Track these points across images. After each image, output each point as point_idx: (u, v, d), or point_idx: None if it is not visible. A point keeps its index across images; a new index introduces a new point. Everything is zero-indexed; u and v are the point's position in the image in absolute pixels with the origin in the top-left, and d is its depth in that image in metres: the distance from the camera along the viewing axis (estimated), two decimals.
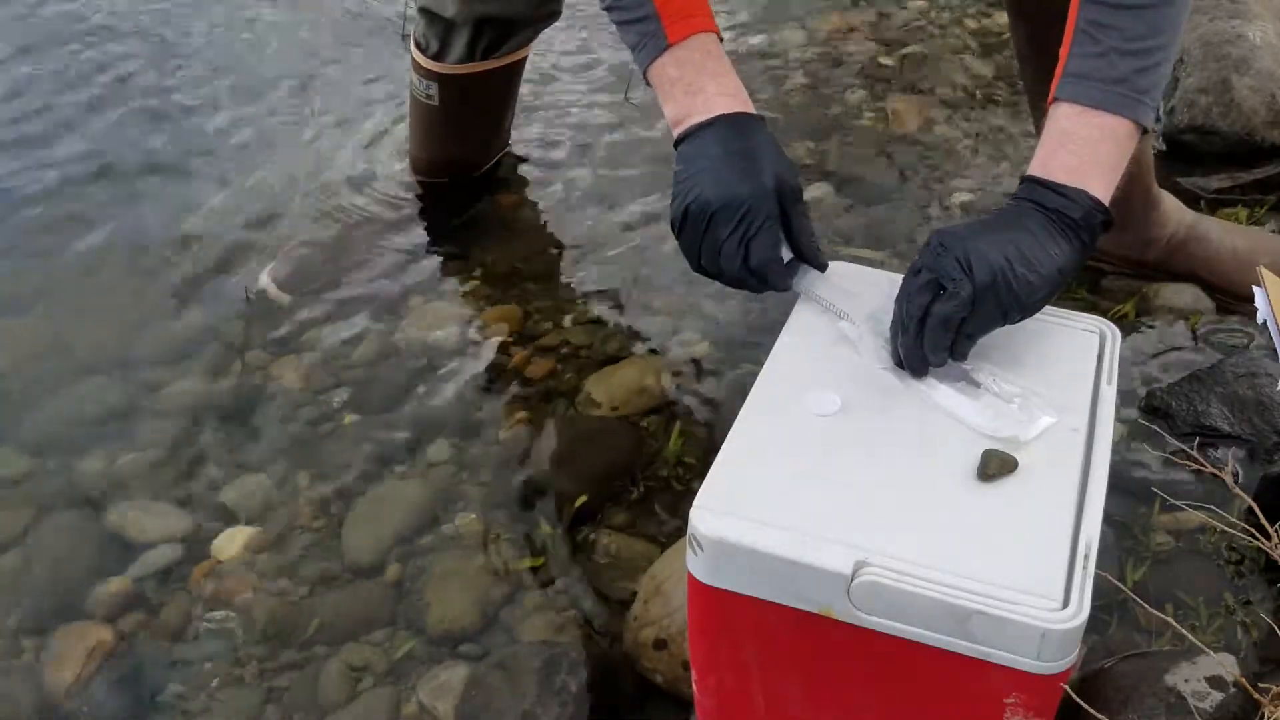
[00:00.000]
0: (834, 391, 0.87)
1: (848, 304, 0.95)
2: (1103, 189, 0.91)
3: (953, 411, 0.85)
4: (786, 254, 0.97)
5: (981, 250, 0.86)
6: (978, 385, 0.87)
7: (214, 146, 1.84)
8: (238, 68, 2.04)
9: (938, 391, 0.87)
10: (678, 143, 1.01)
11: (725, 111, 0.99)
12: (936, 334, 0.86)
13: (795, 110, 1.86)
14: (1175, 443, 1.22)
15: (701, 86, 1.00)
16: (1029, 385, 0.87)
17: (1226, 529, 1.08)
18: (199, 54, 2.08)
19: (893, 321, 0.89)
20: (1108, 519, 0.85)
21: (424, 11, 1.53)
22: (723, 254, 0.95)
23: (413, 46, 1.57)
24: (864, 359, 0.90)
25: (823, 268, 0.98)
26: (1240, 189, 1.62)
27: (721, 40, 1.04)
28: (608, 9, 1.05)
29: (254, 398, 1.39)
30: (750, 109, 1.01)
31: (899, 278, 0.91)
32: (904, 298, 0.89)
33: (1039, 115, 1.40)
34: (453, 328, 1.48)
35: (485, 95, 1.62)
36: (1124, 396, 1.27)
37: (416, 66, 1.58)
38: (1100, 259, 1.47)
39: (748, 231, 0.94)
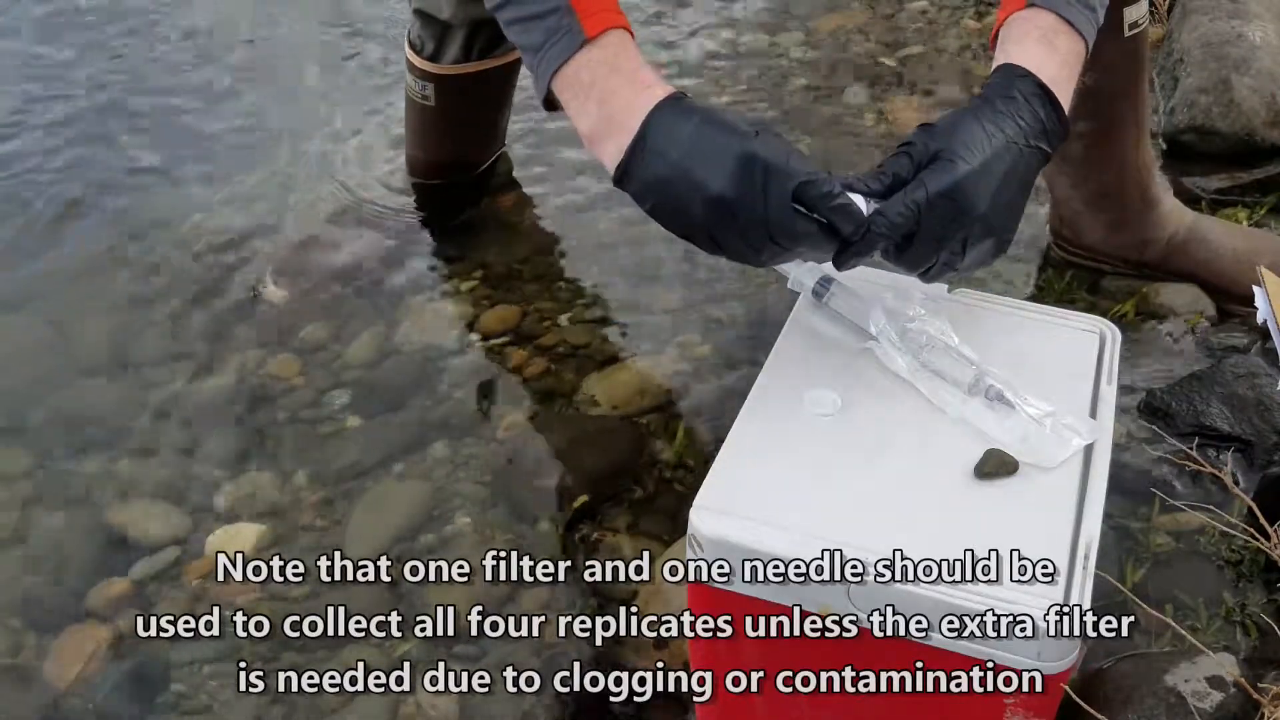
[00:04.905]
0: (834, 391, 0.87)
1: (865, 309, 0.94)
2: None
3: (983, 431, 0.84)
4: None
5: None
6: (1010, 405, 0.85)
7: (213, 146, 1.84)
8: (237, 67, 2.04)
9: (968, 408, 0.85)
10: (635, 145, 0.85)
11: (665, 96, 0.85)
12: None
13: (795, 110, 1.86)
14: (1175, 443, 1.22)
15: (629, 81, 0.86)
16: (1060, 403, 0.85)
17: (1226, 529, 1.08)
18: (197, 53, 2.08)
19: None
20: (1108, 519, 0.85)
21: (419, 13, 1.52)
22: (775, 204, 0.80)
23: (407, 47, 1.56)
24: (886, 363, 0.89)
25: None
26: (1240, 189, 1.62)
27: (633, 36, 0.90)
28: (497, 8, 0.91)
29: (254, 398, 1.39)
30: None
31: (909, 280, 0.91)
32: None
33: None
34: (452, 328, 1.48)
35: (482, 95, 1.61)
36: (1124, 396, 1.27)
37: (412, 68, 1.57)
38: (1100, 259, 1.47)
39: (792, 164, 0.80)
